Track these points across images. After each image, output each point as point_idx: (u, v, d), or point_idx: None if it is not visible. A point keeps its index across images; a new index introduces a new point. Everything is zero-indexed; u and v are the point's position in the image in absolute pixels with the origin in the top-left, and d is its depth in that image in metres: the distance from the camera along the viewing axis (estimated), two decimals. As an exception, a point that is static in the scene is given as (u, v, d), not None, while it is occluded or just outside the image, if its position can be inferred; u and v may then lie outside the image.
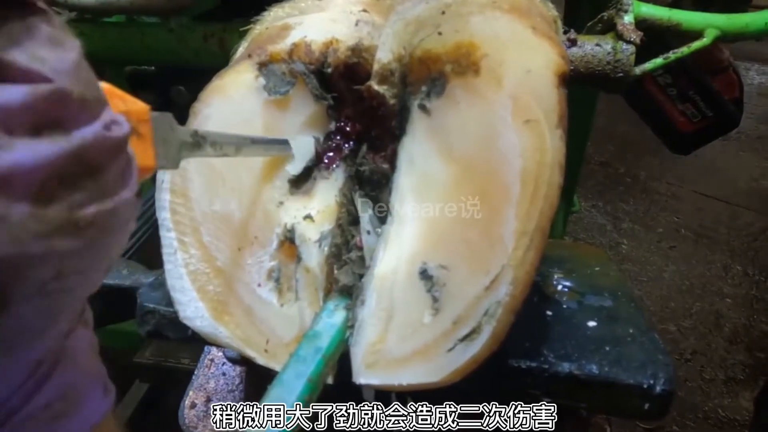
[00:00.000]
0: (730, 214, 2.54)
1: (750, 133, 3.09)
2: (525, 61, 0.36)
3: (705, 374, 1.81)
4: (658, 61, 0.62)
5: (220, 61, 0.52)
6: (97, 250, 0.20)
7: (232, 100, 0.42)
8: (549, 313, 0.46)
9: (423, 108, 0.39)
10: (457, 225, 0.36)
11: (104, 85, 0.22)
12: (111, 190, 0.20)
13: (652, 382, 0.38)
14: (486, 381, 0.38)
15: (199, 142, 0.31)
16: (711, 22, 0.63)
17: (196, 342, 0.44)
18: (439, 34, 0.38)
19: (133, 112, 0.24)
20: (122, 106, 0.24)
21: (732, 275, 2.21)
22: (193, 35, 0.74)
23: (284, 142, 0.42)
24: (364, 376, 0.37)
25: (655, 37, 0.63)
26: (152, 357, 1.28)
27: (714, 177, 2.74)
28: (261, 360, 0.41)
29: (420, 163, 0.40)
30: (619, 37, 0.60)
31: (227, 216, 0.42)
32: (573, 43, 0.61)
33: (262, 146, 0.41)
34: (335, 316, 0.38)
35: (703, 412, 1.68)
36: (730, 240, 2.38)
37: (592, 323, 0.44)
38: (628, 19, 0.61)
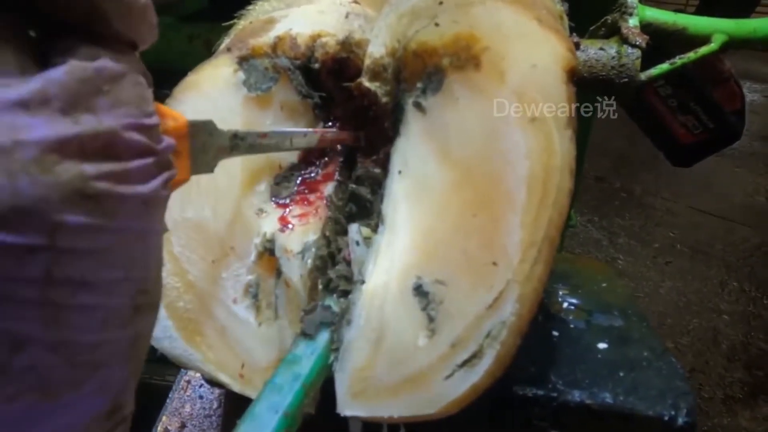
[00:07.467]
0: (726, 229, 2.53)
1: (744, 150, 3.11)
2: (530, 55, 0.32)
3: (704, 392, 1.77)
4: (665, 66, 0.59)
5: (206, 63, 0.48)
6: (102, 255, 0.17)
7: (208, 96, 0.39)
8: (555, 333, 0.42)
9: (418, 106, 0.36)
10: (455, 235, 0.32)
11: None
12: (130, 179, 0.18)
13: (673, 413, 0.33)
14: (488, 412, 0.34)
15: (237, 144, 0.31)
16: (718, 27, 0.60)
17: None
18: (436, 25, 0.35)
19: (171, 129, 0.24)
20: (163, 124, 0.23)
21: (729, 291, 2.19)
22: (178, 36, 0.71)
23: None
24: (350, 406, 0.33)
25: (656, 45, 0.61)
26: (136, 374, 1.22)
27: (709, 193, 2.74)
28: (236, 386, 0.37)
29: (415, 167, 0.36)
30: (624, 40, 0.58)
31: (200, 224, 0.38)
32: (576, 47, 0.58)
33: (317, 138, 0.38)
34: (318, 337, 0.34)
35: (703, 432, 1.64)
36: (726, 256, 2.37)
37: (602, 345, 0.40)
38: (633, 22, 0.59)
